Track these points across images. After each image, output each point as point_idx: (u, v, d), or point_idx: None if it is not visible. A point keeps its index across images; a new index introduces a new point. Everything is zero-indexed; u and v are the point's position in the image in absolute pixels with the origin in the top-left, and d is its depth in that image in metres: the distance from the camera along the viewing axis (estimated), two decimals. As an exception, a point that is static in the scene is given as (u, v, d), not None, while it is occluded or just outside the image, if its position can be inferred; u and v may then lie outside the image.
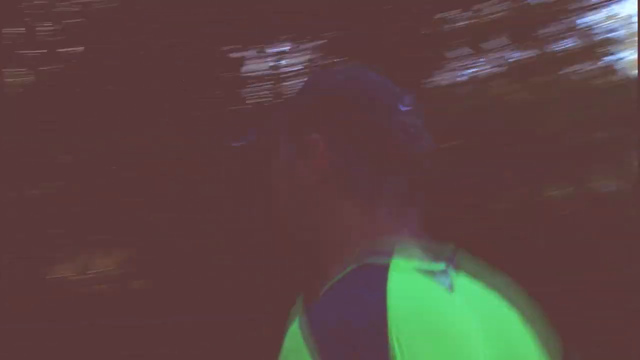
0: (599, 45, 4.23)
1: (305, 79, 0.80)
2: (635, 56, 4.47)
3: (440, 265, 0.58)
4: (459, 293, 0.57)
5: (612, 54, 4.23)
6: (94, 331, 3.44)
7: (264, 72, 4.09)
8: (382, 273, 0.53)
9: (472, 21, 4.09)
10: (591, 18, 4.20)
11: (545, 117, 3.84)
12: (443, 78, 4.27)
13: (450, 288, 0.57)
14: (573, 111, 3.91)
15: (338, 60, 3.85)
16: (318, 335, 0.49)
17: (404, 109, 0.61)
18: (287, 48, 4.09)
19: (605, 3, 4.13)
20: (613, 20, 4.17)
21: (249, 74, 4.14)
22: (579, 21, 4.20)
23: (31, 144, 3.66)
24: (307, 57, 4.08)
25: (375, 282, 0.53)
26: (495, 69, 4.20)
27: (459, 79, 4.28)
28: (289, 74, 4.07)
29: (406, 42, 3.76)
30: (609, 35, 4.20)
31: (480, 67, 4.20)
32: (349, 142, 0.60)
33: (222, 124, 3.71)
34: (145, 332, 3.52)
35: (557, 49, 4.16)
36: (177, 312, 3.50)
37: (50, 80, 3.94)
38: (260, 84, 4.10)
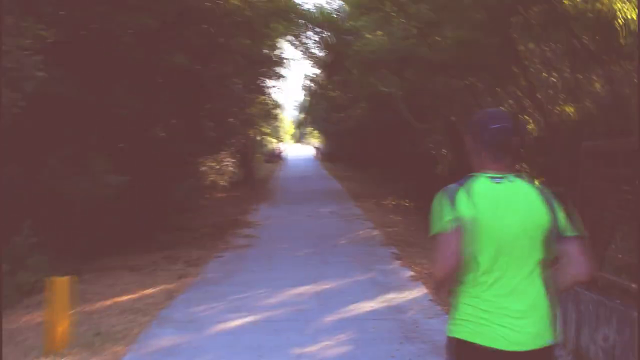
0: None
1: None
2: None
3: (501, 177, 1.91)
4: (503, 184, 1.90)
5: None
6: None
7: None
8: (470, 177, 1.94)
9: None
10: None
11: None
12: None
13: (500, 182, 1.90)
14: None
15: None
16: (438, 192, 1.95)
17: (492, 126, 1.93)
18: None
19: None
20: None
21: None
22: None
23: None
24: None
25: (466, 178, 1.94)
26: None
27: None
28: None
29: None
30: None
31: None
32: (474, 139, 2.00)
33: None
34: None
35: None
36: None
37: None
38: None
